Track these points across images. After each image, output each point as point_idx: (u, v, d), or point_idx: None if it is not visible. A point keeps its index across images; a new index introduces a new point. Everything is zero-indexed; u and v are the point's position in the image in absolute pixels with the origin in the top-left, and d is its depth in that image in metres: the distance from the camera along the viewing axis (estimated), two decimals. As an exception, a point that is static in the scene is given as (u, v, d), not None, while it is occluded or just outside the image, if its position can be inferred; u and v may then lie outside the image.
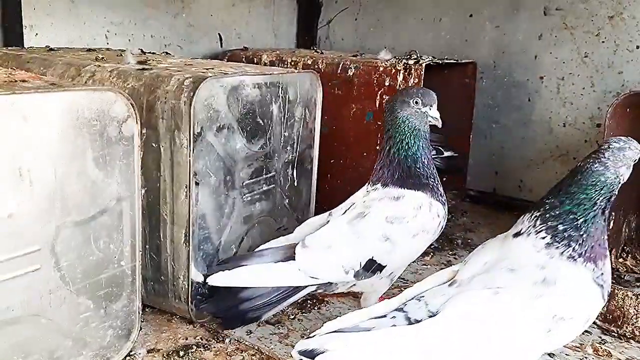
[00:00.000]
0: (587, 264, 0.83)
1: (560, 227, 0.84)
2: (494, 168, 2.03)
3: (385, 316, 0.83)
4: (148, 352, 1.04)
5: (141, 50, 1.43)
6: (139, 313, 1.01)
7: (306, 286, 1.08)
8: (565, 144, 1.84)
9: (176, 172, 1.02)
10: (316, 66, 1.67)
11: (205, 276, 1.08)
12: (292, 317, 1.19)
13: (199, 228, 1.07)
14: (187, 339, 1.09)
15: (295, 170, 1.33)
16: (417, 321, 0.80)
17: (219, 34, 1.95)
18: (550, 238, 0.84)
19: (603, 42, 1.74)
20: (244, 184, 1.16)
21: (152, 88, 1.02)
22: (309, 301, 1.25)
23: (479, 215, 1.92)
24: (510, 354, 0.81)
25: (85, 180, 0.87)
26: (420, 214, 1.08)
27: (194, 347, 1.06)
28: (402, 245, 1.08)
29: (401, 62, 1.55)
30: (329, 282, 1.09)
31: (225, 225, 1.13)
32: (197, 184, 1.03)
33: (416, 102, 1.09)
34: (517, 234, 0.88)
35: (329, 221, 1.13)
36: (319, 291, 1.12)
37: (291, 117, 1.27)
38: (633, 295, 1.14)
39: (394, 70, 1.55)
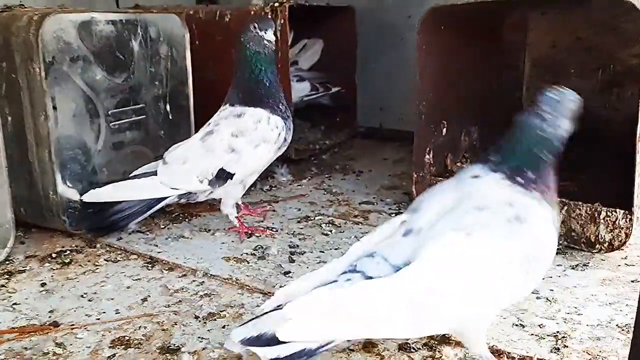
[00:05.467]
0: (545, 204, 0.77)
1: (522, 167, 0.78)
2: (379, 104, 2.22)
3: (336, 281, 0.75)
4: (26, 257, 1.20)
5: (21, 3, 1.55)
6: (13, 223, 1.17)
7: (168, 196, 1.26)
8: (434, 76, 2.04)
9: (34, 98, 1.17)
10: (197, 15, 1.82)
11: (80, 195, 1.26)
12: (163, 226, 1.36)
13: (64, 149, 1.22)
14: (63, 247, 1.25)
15: (168, 105, 1.49)
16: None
17: (114, -6, 2.07)
18: (510, 177, 0.78)
19: (456, -22, 1.93)
20: (109, 112, 1.31)
21: (7, 26, 1.16)
22: (180, 215, 1.42)
23: (365, 147, 2.12)
24: (493, 295, 0.75)
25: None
26: (260, 127, 1.26)
27: (68, 252, 1.22)
28: (247, 155, 1.26)
29: (268, 5, 1.72)
30: (188, 192, 1.27)
31: (93, 149, 1.29)
32: (54, 108, 1.18)
33: (254, 27, 1.27)
34: (474, 177, 0.80)
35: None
36: (182, 201, 1.30)
37: (156, 54, 1.42)
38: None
39: (262, 13, 1.71)
